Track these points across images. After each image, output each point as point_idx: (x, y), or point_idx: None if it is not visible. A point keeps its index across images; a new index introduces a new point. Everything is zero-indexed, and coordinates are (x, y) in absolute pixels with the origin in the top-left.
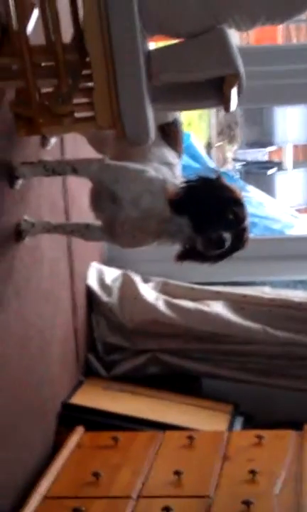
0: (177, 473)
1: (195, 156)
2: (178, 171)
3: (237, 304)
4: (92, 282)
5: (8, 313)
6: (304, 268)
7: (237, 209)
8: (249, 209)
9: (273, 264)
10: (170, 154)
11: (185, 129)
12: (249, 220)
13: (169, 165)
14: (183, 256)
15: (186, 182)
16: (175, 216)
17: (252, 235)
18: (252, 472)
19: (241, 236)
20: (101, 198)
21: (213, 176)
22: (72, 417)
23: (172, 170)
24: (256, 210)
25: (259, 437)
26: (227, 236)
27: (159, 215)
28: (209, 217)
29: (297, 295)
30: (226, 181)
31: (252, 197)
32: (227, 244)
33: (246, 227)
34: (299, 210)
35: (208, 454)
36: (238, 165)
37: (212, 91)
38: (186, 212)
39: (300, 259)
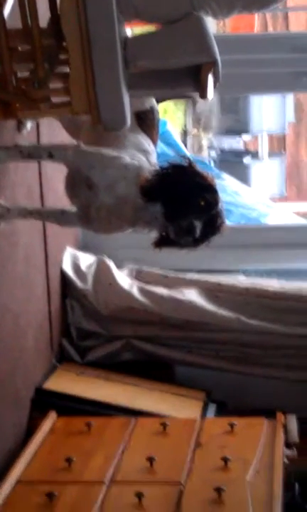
0: (149, 459)
1: (170, 144)
2: (154, 158)
3: (212, 292)
4: (67, 268)
5: None
6: (279, 257)
7: (208, 195)
8: (225, 197)
9: (249, 252)
10: (145, 141)
11: (161, 116)
12: (221, 206)
13: (145, 152)
14: (160, 243)
15: (158, 169)
16: (148, 203)
17: (228, 223)
18: (224, 459)
19: (214, 222)
20: (76, 184)
21: (185, 162)
22: (45, 402)
23: (147, 157)
24: (232, 198)
25: (232, 425)
26: (198, 223)
27: (134, 202)
28: (180, 204)
29: (271, 284)
30: (198, 168)
31: (227, 185)
32: (198, 231)
33: (219, 212)
34: (273, 200)
35: (181, 440)
36: (213, 153)
37: (188, 78)
38: (158, 199)
39: (275, 249)
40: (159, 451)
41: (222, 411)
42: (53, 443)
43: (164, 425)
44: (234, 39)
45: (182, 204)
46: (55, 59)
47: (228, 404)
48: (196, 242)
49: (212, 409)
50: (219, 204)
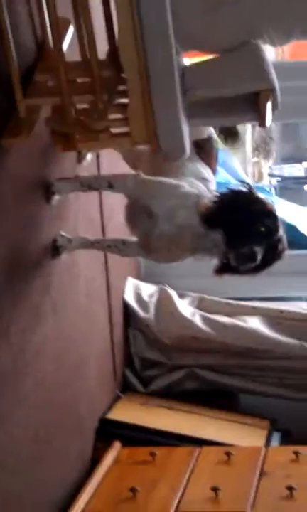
0: (214, 489)
1: (231, 173)
2: (213, 186)
3: (274, 319)
4: (129, 298)
5: (46, 330)
6: None
7: (268, 221)
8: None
9: None
10: (204, 170)
11: (221, 145)
12: (282, 232)
13: (204, 180)
14: (221, 270)
15: (218, 196)
16: (209, 231)
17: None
18: (289, 488)
19: (275, 248)
20: (136, 213)
21: (244, 189)
22: (109, 432)
23: (207, 185)
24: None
25: (297, 453)
26: (259, 249)
27: (194, 230)
28: (240, 231)
29: None
30: (258, 194)
31: (287, 211)
32: (259, 257)
33: (280, 238)
34: None
35: (245, 469)
36: (274, 180)
37: (247, 106)
38: (218, 226)
39: None
40: (224, 481)
41: (287, 439)
42: (118, 473)
43: (228, 454)
44: (292, 66)
45: (243, 230)
46: (113, 90)
47: (293, 433)
48: (257, 269)
49: (276, 437)
50: (280, 230)
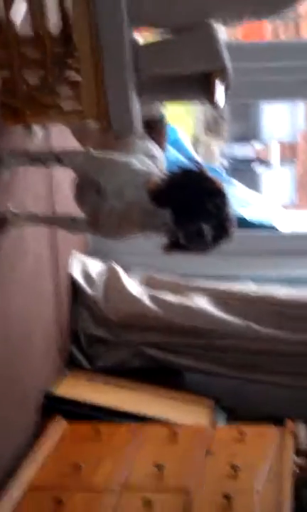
0: (158, 466)
1: (182, 151)
2: (162, 164)
3: (221, 299)
4: (76, 274)
5: None
6: (288, 264)
7: (217, 199)
8: (235, 204)
9: (258, 259)
10: (154, 148)
11: (172, 123)
12: (231, 210)
13: (153, 158)
14: (169, 248)
15: (168, 174)
16: (158, 208)
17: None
18: (234, 467)
19: (224, 226)
20: (85, 190)
21: (194, 167)
22: (54, 408)
23: (156, 163)
24: (242, 209)
25: (241, 432)
26: (207, 227)
27: (143, 207)
28: (189, 209)
29: (281, 292)
30: (207, 172)
31: (237, 194)
32: (208, 235)
33: (228, 217)
34: (284, 207)
35: (190, 448)
36: (225, 161)
37: (199, 86)
38: (167, 203)
39: (285, 256)
40: (168, 458)
41: (231, 418)
42: (62, 449)
43: (174, 432)
44: (245, 46)
45: (192, 208)
46: (65, 66)
47: (237, 412)
48: (206, 247)
49: (220, 416)
50: (229, 208)
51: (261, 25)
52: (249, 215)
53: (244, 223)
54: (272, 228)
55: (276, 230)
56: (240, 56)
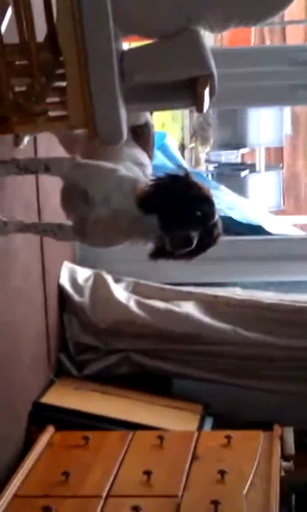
0: (146, 472)
1: (169, 156)
2: (149, 171)
3: (208, 304)
4: (64, 282)
5: None
6: (275, 269)
7: (204, 206)
8: (222, 208)
9: (245, 265)
10: (141, 155)
11: (159, 129)
12: (218, 217)
13: (140, 165)
14: (156, 254)
15: (154, 180)
16: (145, 215)
17: (225, 235)
18: (221, 472)
19: (211, 233)
20: (72, 197)
21: (181, 173)
22: (43, 416)
23: (143, 170)
24: (229, 210)
25: (228, 437)
26: (194, 234)
27: (130, 214)
28: (176, 216)
29: (268, 296)
30: (194, 179)
31: (224, 197)
32: (194, 242)
33: (215, 224)
34: (271, 212)
35: (178, 454)
36: (211, 166)
37: (185, 92)
38: (154, 210)
39: (272, 261)
40: (156, 465)
41: (219, 424)
42: (50, 457)
43: (161, 438)
44: (231, 52)
45: (179, 215)
46: (52, 73)
47: (225, 417)
48: (192, 254)
49: (209, 422)
50: (216, 215)
51: (247, 32)
52: (237, 216)
53: (232, 223)
54: (260, 227)
55: (264, 229)
56: (226, 62)
